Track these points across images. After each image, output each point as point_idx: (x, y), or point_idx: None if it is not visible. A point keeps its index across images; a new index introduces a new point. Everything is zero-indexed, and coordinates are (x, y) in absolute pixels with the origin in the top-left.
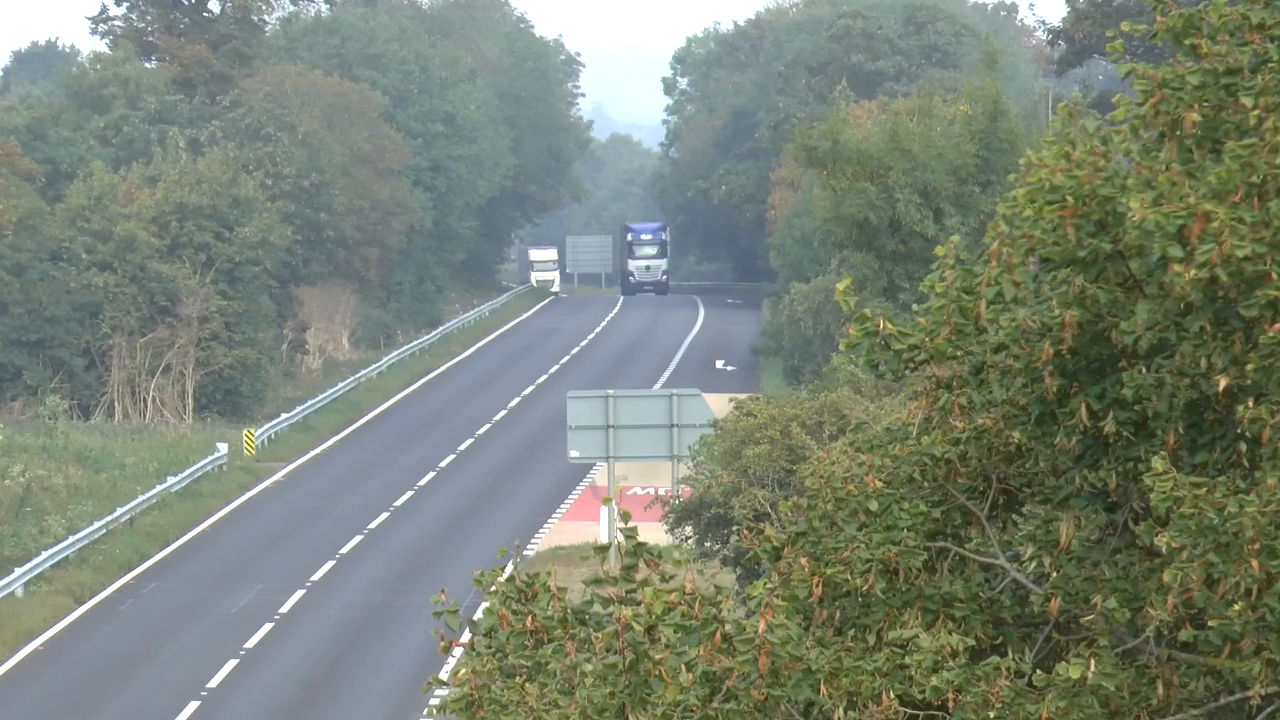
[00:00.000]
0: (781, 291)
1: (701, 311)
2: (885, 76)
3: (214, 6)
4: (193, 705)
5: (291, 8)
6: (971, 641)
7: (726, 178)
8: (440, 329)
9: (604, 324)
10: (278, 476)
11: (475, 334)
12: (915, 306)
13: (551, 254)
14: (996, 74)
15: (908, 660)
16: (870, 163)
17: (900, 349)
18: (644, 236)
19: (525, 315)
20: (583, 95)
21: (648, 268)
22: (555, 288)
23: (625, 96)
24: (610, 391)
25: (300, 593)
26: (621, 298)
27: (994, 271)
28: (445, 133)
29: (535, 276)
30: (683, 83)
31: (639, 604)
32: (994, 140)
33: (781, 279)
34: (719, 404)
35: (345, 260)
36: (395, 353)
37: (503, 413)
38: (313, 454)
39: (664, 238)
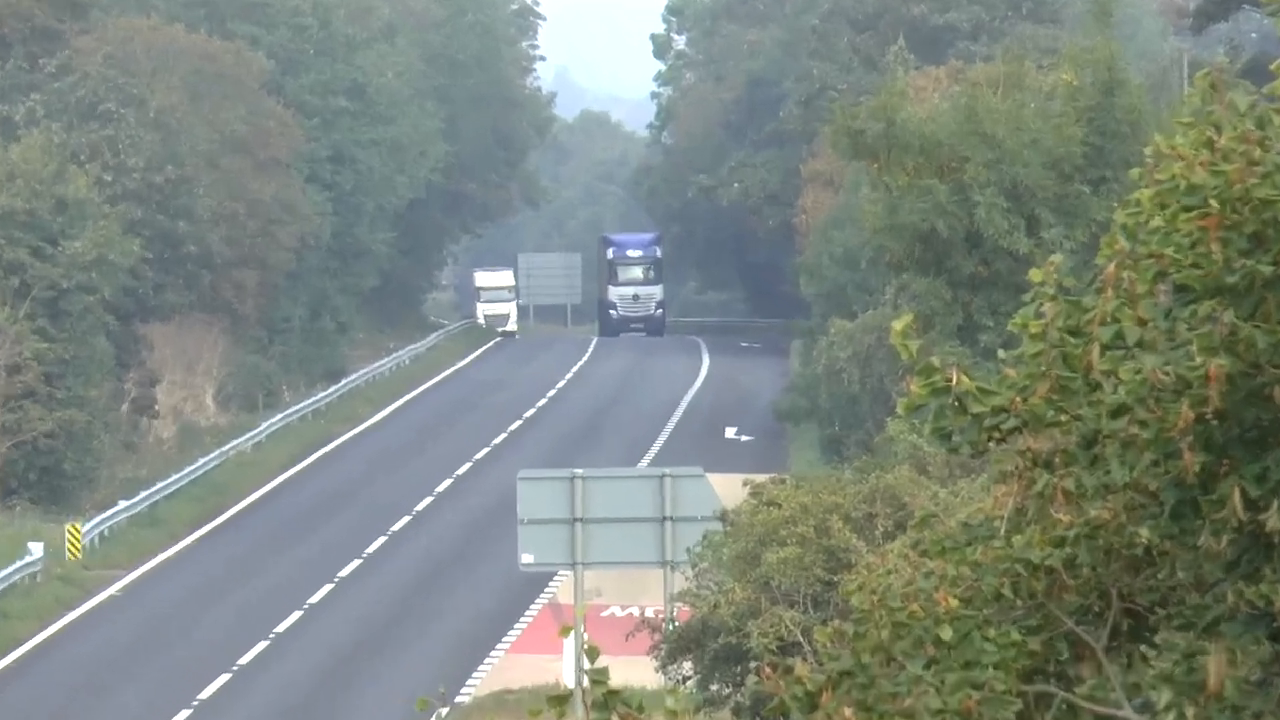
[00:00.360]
0: (816, 331)
1: (705, 358)
2: (958, 33)
3: None
4: None
5: None
6: None
7: (740, 172)
8: (343, 383)
9: (571, 374)
10: (113, 589)
11: (392, 389)
12: (1002, 353)
13: (506, 278)
14: (1111, 31)
15: None
16: (939, 152)
17: (981, 412)
18: (631, 254)
19: (462, 363)
20: (542, 59)
21: (635, 297)
22: (511, 325)
23: (601, 60)
24: (578, 471)
25: None
26: (595, 339)
27: (1110, 304)
28: (352, 110)
29: (484, 310)
30: (679, 41)
31: None
32: (1108, 122)
33: (816, 314)
34: (730, 488)
35: (212, 287)
36: (280, 415)
37: (428, 500)
38: (162, 557)
39: (658, 255)
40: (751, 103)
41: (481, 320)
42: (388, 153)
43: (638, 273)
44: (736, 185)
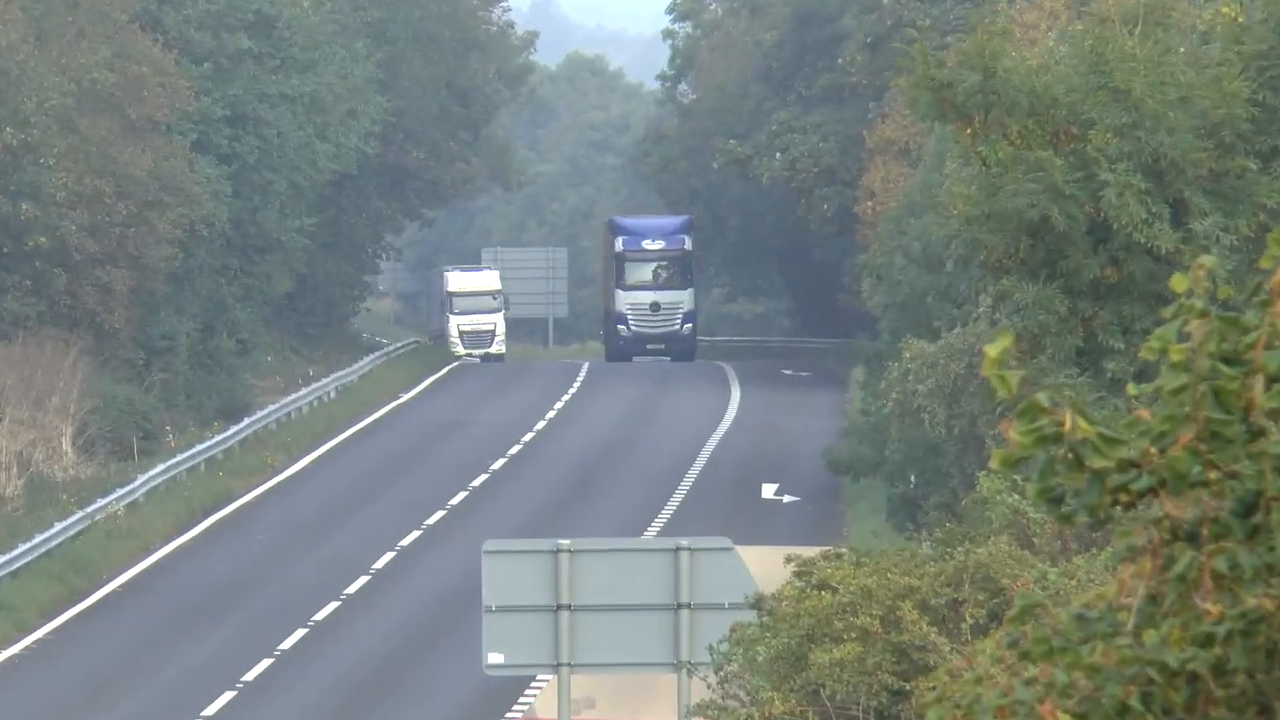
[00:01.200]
0: (885, 355)
1: (735, 391)
2: None
3: None
4: None
5: None
6: None
7: (783, 139)
8: (246, 422)
9: (554, 412)
10: None
11: (312, 432)
12: (1133, 388)
13: (488, 281)
14: None
15: None
16: (1054, 114)
17: (1104, 468)
18: (648, 245)
19: (406, 396)
20: None
21: (655, 307)
22: (496, 346)
23: None
24: (564, 542)
25: None
26: (587, 364)
27: None
28: (256, 52)
29: (458, 325)
30: None
31: None
32: None
33: (885, 332)
34: (768, 565)
35: (69, 292)
36: (162, 466)
37: (362, 580)
38: (4, 655)
39: (686, 247)
40: (799, 44)
41: (455, 338)
42: (305, 112)
43: (658, 272)
44: (779, 157)
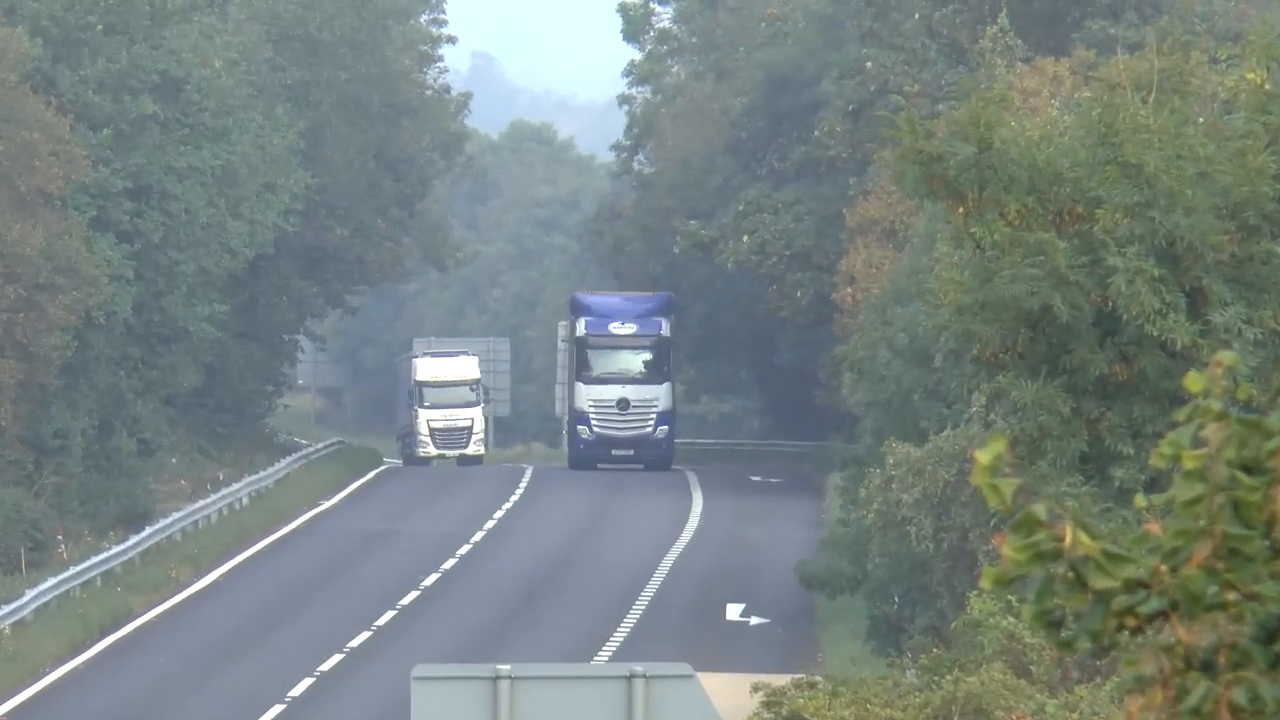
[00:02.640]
0: (866, 460)
1: (697, 498)
2: (1089, 7)
3: None
4: None
5: None
6: None
7: (753, 220)
8: (148, 531)
9: (494, 521)
10: None
11: (221, 543)
12: (1142, 499)
13: (465, 368)
14: None
15: None
16: (1058, 191)
17: (1108, 589)
18: (617, 329)
19: (328, 504)
20: (452, 40)
21: (624, 405)
22: (475, 446)
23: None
24: (503, 668)
25: None
26: (530, 468)
27: None
28: (163, 118)
29: (429, 421)
30: (662, 14)
31: None
32: None
33: (867, 434)
34: (733, 695)
35: None
36: (53, 580)
37: (277, 709)
38: None
39: (663, 332)
40: (772, 112)
41: (425, 435)
42: (216, 185)
43: (628, 362)
44: (747, 240)
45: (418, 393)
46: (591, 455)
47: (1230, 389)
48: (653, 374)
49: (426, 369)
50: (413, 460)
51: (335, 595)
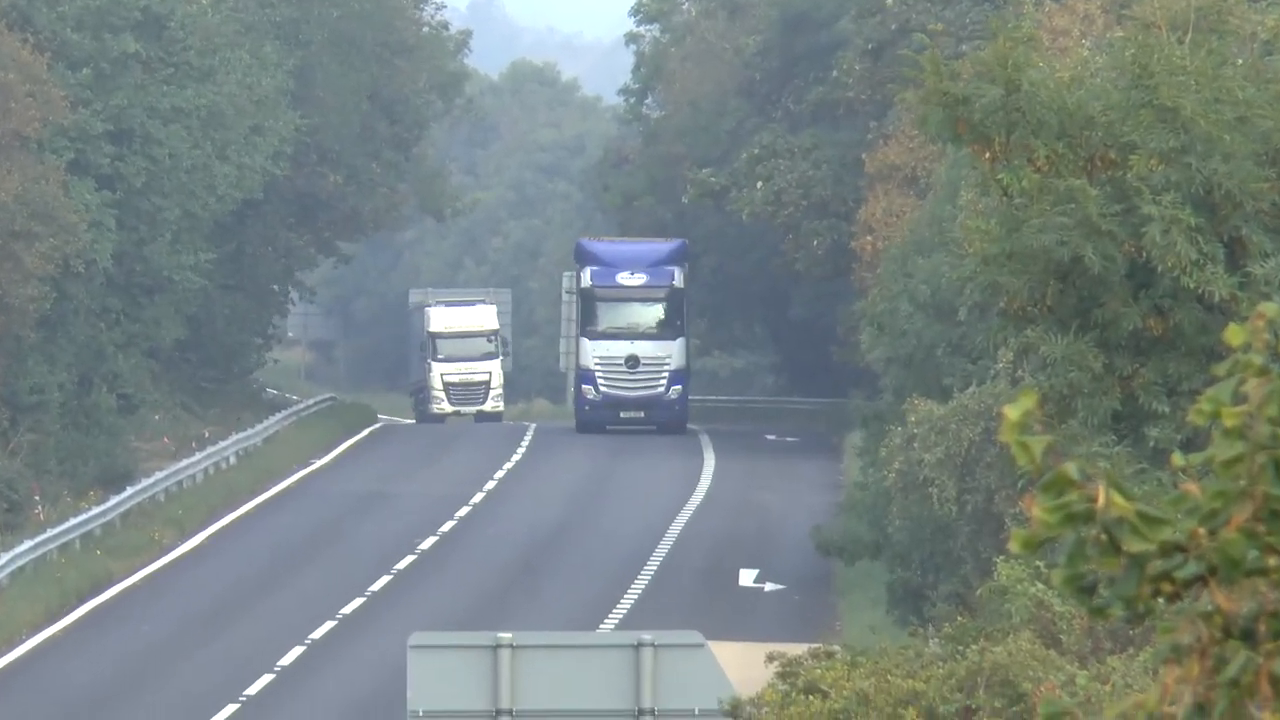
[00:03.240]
0: (887, 418)
1: (709, 459)
2: None
3: None
4: None
5: None
6: None
7: (768, 166)
8: (130, 491)
9: (494, 482)
10: None
11: (208, 504)
12: (1179, 458)
13: (482, 318)
14: None
15: None
16: (1089, 136)
17: (1143, 552)
18: (625, 279)
19: (319, 462)
20: None
21: (633, 362)
22: (493, 402)
23: None
24: (504, 636)
25: None
26: (533, 426)
27: None
28: (145, 57)
29: (443, 374)
30: None
31: None
32: None
33: (888, 391)
34: (746, 665)
35: None
36: (29, 543)
37: (265, 680)
38: None
39: (676, 282)
40: (788, 52)
41: (439, 391)
42: (202, 128)
43: (638, 315)
44: (761, 187)
45: (431, 345)
46: (598, 417)
47: (1272, 343)
48: (665, 329)
49: (440, 319)
50: (426, 417)
51: (327, 559)
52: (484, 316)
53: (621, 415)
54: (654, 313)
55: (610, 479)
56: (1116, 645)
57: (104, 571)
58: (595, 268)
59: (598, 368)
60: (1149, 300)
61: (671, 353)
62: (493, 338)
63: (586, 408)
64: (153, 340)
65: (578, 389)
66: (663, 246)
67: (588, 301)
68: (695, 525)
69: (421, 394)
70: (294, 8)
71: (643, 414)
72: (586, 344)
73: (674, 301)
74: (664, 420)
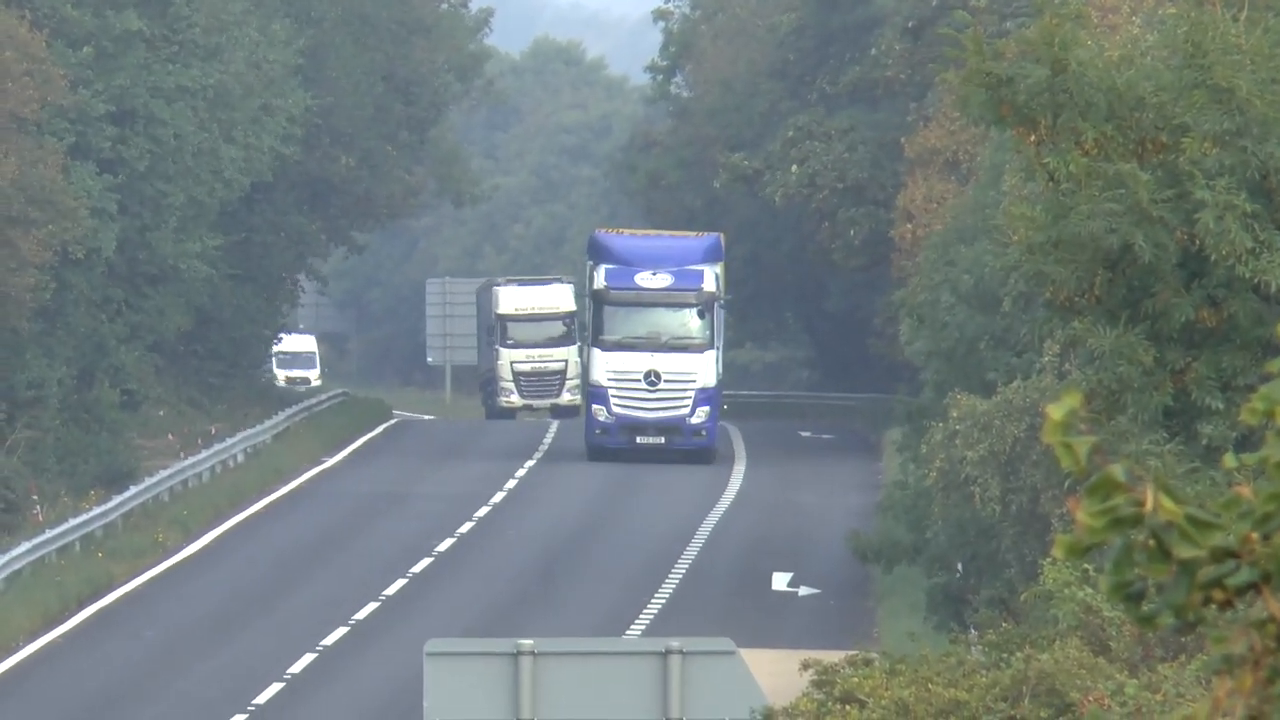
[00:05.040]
0: (928, 414)
1: (740, 457)
2: None
3: None
4: None
5: None
6: None
7: (802, 148)
8: (132, 491)
9: (514, 481)
10: None
11: (213, 505)
12: (1232, 459)
13: (558, 297)
14: None
15: None
16: (1139, 118)
17: (1194, 558)
18: (646, 280)
19: (330, 461)
20: None
21: (653, 379)
22: (567, 394)
23: None
24: (525, 642)
25: None
26: (554, 423)
27: None
28: (148, 35)
29: (512, 362)
30: None
31: None
32: None
33: (929, 386)
34: (779, 674)
35: None
36: (26, 545)
37: (274, 689)
38: None
39: (707, 286)
40: (823, 30)
41: (508, 383)
42: (208, 109)
43: (660, 322)
44: (795, 170)
45: (500, 329)
46: (611, 443)
47: None
48: (692, 340)
49: (510, 300)
50: (495, 412)
51: (339, 562)
52: (559, 296)
53: (638, 441)
54: (680, 320)
55: (637, 478)
56: (1168, 652)
57: (105, 575)
58: (611, 266)
59: (611, 384)
60: (1202, 290)
61: (699, 369)
62: (569, 320)
63: (597, 431)
64: (157, 332)
65: (588, 408)
66: (693, 242)
67: (600, 306)
68: (726, 526)
69: (490, 386)
70: None
71: (663, 440)
72: (598, 356)
73: (705, 307)
74: (688, 448)
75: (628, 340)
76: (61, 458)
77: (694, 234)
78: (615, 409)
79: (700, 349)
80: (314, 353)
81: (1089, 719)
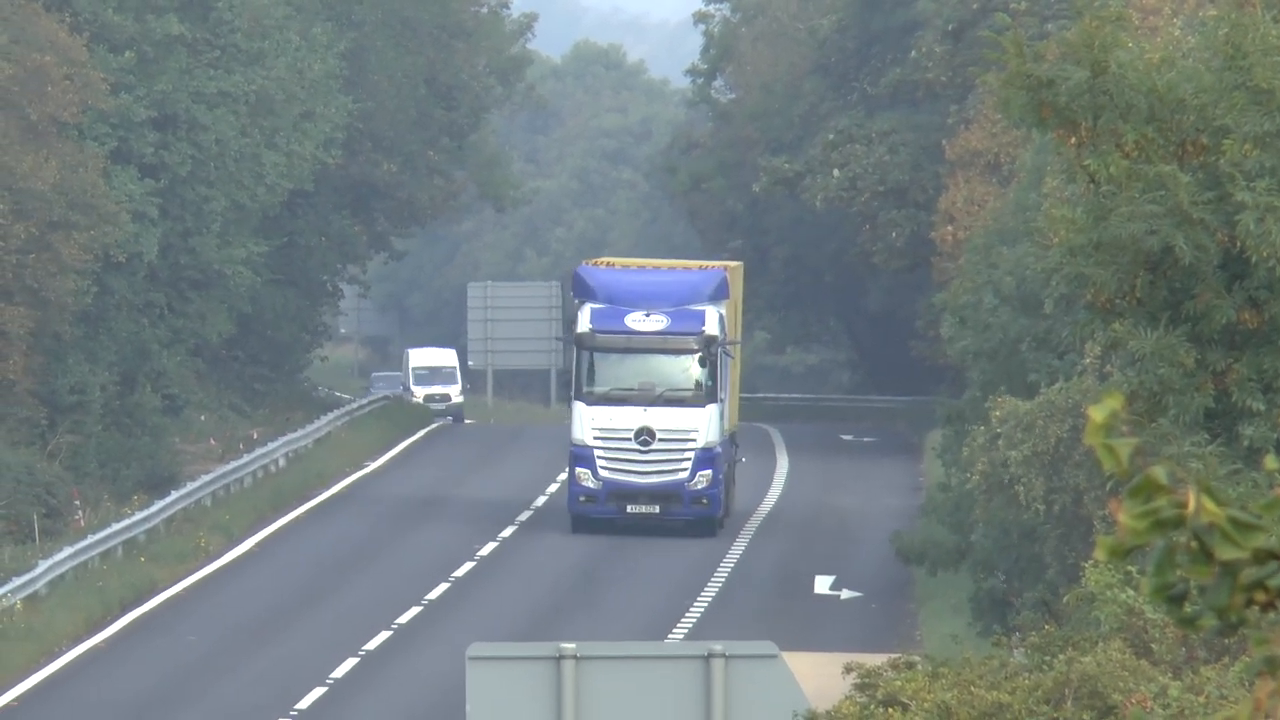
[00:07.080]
0: (970, 416)
1: (782, 460)
2: None
3: None
4: None
5: None
6: None
7: (843, 151)
8: (174, 496)
9: (556, 485)
10: None
11: (256, 509)
12: (1274, 461)
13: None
14: None
15: None
16: (1180, 119)
17: (1236, 560)
18: (637, 323)
19: (373, 465)
20: None
21: (644, 438)
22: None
23: None
24: (568, 646)
25: None
26: None
27: None
28: (190, 39)
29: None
30: None
31: None
32: None
33: (973, 387)
34: (822, 675)
35: None
36: (69, 550)
37: (316, 694)
38: None
39: (708, 329)
40: (864, 33)
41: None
42: (250, 114)
43: (654, 371)
44: (837, 174)
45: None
46: (596, 512)
47: None
48: (691, 392)
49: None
50: None
51: (381, 567)
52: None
53: (629, 510)
54: (677, 369)
55: None
56: (1211, 654)
57: (147, 580)
58: (597, 306)
59: (597, 444)
60: (1243, 292)
61: (699, 425)
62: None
63: (581, 498)
64: (199, 337)
65: (571, 472)
66: (693, 277)
67: (584, 352)
68: (768, 530)
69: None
70: None
71: (658, 507)
72: (582, 411)
73: (706, 354)
74: (687, 516)
75: (616, 393)
76: (104, 462)
77: (695, 265)
78: (602, 473)
79: (701, 403)
80: (454, 368)
81: None
